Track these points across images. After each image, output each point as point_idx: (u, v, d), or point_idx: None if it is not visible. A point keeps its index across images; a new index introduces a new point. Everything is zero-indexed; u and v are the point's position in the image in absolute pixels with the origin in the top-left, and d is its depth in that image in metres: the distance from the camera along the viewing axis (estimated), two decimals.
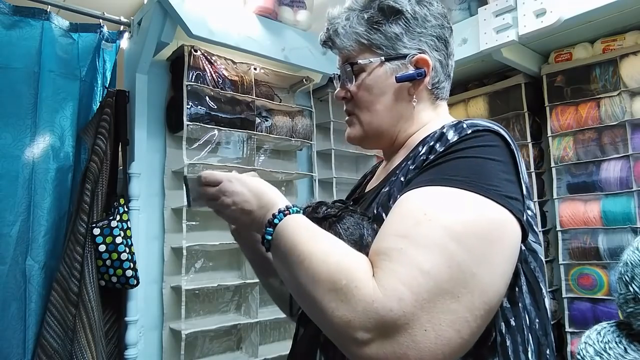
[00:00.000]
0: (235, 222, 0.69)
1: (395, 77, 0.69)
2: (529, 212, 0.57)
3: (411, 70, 0.69)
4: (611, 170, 1.72)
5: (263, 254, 0.74)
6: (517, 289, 0.56)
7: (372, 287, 0.45)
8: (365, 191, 0.76)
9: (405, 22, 0.69)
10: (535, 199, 1.93)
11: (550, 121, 1.90)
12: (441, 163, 0.54)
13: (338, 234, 0.56)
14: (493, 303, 0.48)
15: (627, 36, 1.71)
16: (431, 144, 0.58)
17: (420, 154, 0.59)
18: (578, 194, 1.82)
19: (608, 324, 1.01)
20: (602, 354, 0.93)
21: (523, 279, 0.56)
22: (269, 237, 0.57)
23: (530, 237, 0.57)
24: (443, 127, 0.60)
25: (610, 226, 1.69)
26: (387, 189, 0.63)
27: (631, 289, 0.91)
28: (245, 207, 0.63)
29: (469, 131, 0.56)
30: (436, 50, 0.70)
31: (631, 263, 0.92)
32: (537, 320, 0.57)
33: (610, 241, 1.69)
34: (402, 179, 0.60)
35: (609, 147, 1.74)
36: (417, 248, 0.45)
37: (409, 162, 0.62)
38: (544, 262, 0.61)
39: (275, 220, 0.58)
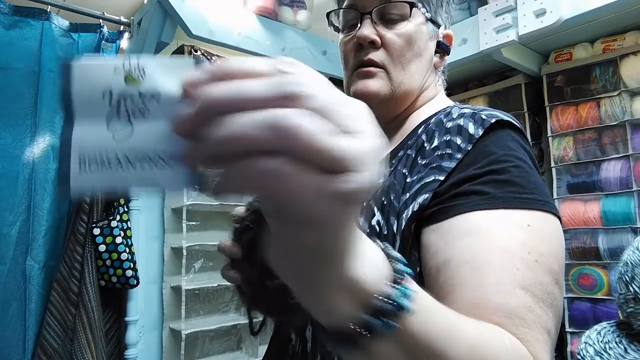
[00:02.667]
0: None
1: (438, 41, 0.63)
2: None
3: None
4: (611, 170, 1.72)
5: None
6: None
7: None
8: None
9: None
10: None
11: (550, 121, 1.90)
12: (495, 172, 0.47)
13: None
14: None
15: (627, 36, 1.71)
16: (447, 138, 0.51)
17: (433, 146, 0.52)
18: (578, 194, 1.82)
19: (608, 324, 1.02)
20: (602, 354, 0.93)
21: None
22: (388, 329, 0.28)
23: None
24: (450, 113, 0.55)
25: (610, 226, 1.69)
26: None
27: (631, 289, 0.91)
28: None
29: (493, 120, 0.50)
30: None
31: (631, 263, 0.92)
32: None
33: (610, 241, 1.69)
34: (403, 171, 0.53)
35: (609, 147, 1.74)
36: (539, 303, 0.43)
37: (409, 152, 0.55)
38: None
39: (404, 302, 0.28)
